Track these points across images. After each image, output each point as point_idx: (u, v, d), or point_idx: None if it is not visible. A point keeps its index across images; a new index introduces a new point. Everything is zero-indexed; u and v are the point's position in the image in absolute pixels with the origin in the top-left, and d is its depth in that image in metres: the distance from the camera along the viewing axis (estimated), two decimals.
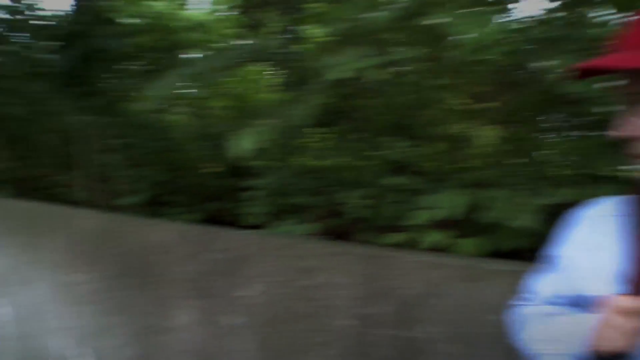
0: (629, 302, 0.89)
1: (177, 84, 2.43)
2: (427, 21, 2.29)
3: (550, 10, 2.64)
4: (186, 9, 5.50)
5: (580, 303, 1.05)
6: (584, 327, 0.96)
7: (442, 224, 2.23)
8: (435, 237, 2.21)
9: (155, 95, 2.51)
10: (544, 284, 1.18)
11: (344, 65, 2.25)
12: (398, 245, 2.29)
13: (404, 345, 2.02)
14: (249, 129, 2.36)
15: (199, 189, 3.94)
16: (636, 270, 0.95)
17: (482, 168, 2.49)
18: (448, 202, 2.19)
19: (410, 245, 2.29)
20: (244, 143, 2.31)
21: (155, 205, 3.93)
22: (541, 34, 2.23)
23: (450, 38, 2.24)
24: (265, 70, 4.93)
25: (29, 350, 3.89)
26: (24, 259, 3.81)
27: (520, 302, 1.23)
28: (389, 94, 2.99)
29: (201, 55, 5.07)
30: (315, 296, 2.19)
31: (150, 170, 3.97)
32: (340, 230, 2.78)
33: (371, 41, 2.61)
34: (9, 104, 5.16)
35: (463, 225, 2.22)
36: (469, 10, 2.20)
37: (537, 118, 2.75)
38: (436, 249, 2.21)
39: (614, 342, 0.90)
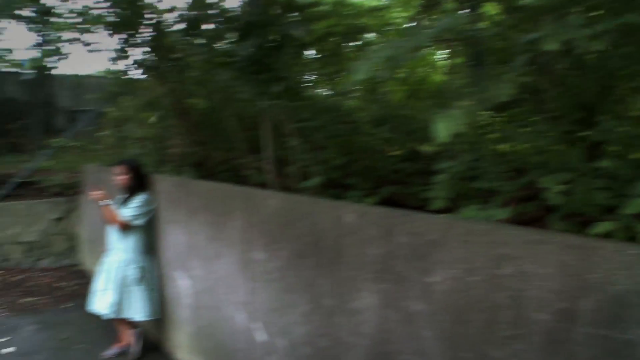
0: None
1: (370, 68, 2.38)
2: None
3: None
4: None
5: None
6: None
7: None
8: None
9: (352, 79, 2.50)
10: None
11: (557, 35, 2.05)
12: (604, 236, 2.06)
13: (611, 347, 1.81)
14: (446, 112, 2.25)
15: (377, 172, 3.93)
16: None
17: None
18: None
19: (618, 237, 2.05)
20: (440, 128, 2.21)
21: (333, 188, 3.99)
22: None
23: None
24: (442, 51, 4.81)
25: (206, 321, 4.17)
26: (207, 236, 4.08)
27: None
28: (588, 70, 2.72)
29: (386, 38, 5.06)
30: (506, 286, 2.05)
31: (329, 154, 4.04)
32: (533, 217, 2.59)
33: (577, 9, 2.38)
34: (196, 93, 5.57)
35: None
36: None
37: None
38: None
39: None
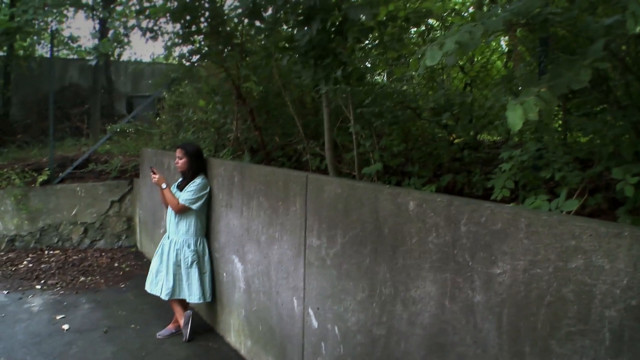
0: None
1: (440, 55, 2.32)
2: None
3: None
4: None
5: None
6: None
7: None
8: None
9: (423, 65, 2.45)
10: None
11: None
12: None
13: None
14: (519, 100, 2.18)
15: (437, 159, 3.87)
16: None
17: None
18: None
19: None
20: (517, 115, 2.14)
21: (393, 175, 3.96)
22: None
23: None
24: (505, 37, 4.67)
25: (260, 305, 4.21)
26: (263, 220, 4.11)
27: None
28: None
29: (444, 24, 4.96)
30: (573, 280, 1.99)
31: (389, 140, 4.00)
32: (598, 209, 2.50)
33: None
34: (255, 78, 5.60)
35: None
36: None
37: None
38: None
39: None
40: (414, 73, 4.61)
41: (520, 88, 2.52)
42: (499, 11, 2.53)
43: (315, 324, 3.51)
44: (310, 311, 3.55)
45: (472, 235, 2.36)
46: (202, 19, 5.63)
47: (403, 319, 2.76)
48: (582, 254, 1.96)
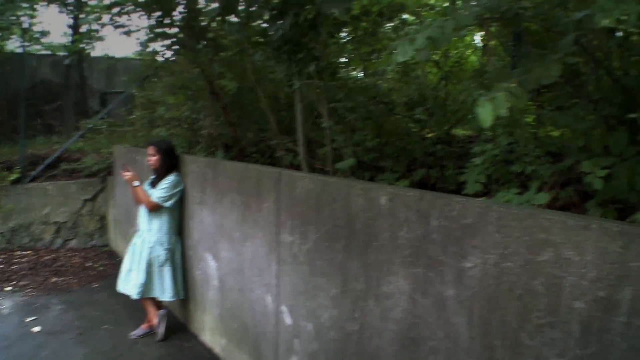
0: None
1: (411, 50, 2.31)
2: None
3: None
4: None
5: None
6: None
7: None
8: None
9: (394, 60, 2.42)
10: None
11: (612, 11, 1.95)
12: None
13: None
14: (489, 95, 2.18)
15: (410, 154, 3.87)
16: None
17: None
18: None
19: None
20: (488, 111, 2.13)
21: (366, 170, 3.94)
22: None
23: None
24: (479, 32, 4.68)
25: (233, 303, 4.18)
26: (236, 217, 4.07)
27: None
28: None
29: (418, 19, 4.95)
30: (543, 273, 1.99)
31: (361, 136, 3.98)
32: (568, 202, 2.51)
33: None
34: (228, 74, 5.54)
35: None
36: None
37: None
38: None
39: None
40: (388, 68, 4.59)
41: (491, 83, 2.51)
42: (471, 6, 2.53)
43: (288, 320, 3.49)
44: (284, 308, 3.53)
45: (443, 229, 2.36)
46: (176, 12, 5.55)
47: (375, 314, 2.75)
48: (551, 247, 1.96)
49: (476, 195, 2.68)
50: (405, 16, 5.25)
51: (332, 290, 3.05)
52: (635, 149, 2.23)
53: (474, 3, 2.59)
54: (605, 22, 1.83)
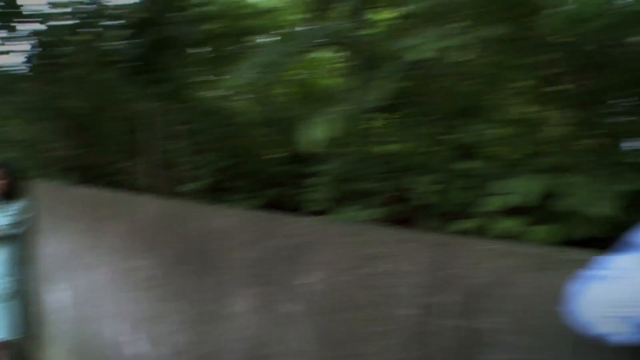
0: None
1: (251, 72, 2.37)
2: None
3: None
4: None
5: None
6: None
7: (514, 211, 2.10)
8: (506, 224, 2.09)
9: (232, 83, 2.47)
10: (616, 261, 1.11)
11: (425, 45, 2.14)
12: (466, 233, 2.17)
13: (467, 335, 1.91)
14: (320, 117, 2.28)
15: (261, 175, 3.91)
16: None
17: (559, 153, 2.33)
18: (522, 188, 2.06)
19: (480, 233, 2.16)
20: (316, 132, 2.23)
21: (217, 192, 3.93)
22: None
23: (546, 11, 2.06)
24: (331, 55, 4.86)
25: (86, 334, 4.00)
26: (86, 244, 3.91)
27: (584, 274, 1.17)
28: (461, 76, 2.85)
29: (270, 41, 5.04)
30: (378, 284, 2.11)
31: (213, 157, 3.97)
32: (406, 216, 2.68)
33: (454, 19, 2.49)
34: (77, 94, 5.32)
35: (536, 212, 2.08)
36: None
37: (618, 100, 2.55)
38: (507, 237, 2.08)
39: None
40: (239, 88, 4.63)
41: (331, 104, 2.64)
42: (312, 31, 2.64)
43: (141, 348, 3.38)
44: (138, 335, 3.42)
45: (284, 248, 2.42)
46: (19, 27, 5.23)
47: (225, 335, 2.75)
48: (383, 260, 2.08)
49: (320, 213, 2.77)
50: (261, 37, 5.34)
51: (181, 314, 3.01)
52: (459, 165, 2.44)
53: (316, 27, 2.71)
54: (424, 55, 2.01)
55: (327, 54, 4.83)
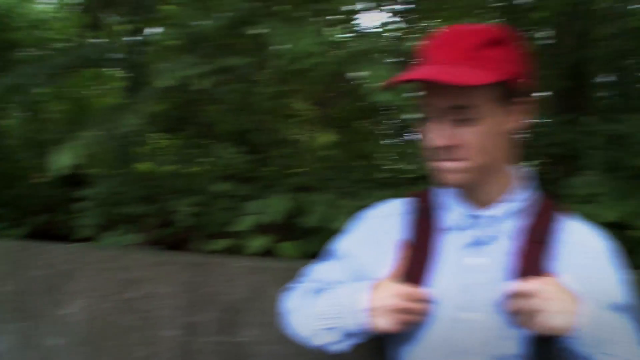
0: (401, 287, 0.99)
1: (15, 84, 2.25)
2: (252, 30, 2.30)
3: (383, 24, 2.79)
4: (29, 4, 5.11)
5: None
6: (353, 301, 1.02)
7: (266, 229, 2.25)
8: (259, 241, 2.22)
9: None
10: (319, 270, 1.23)
11: (172, 72, 2.23)
12: (223, 252, 2.28)
13: (229, 350, 2.01)
14: (70, 142, 2.24)
15: (28, 200, 3.66)
16: (408, 261, 1.05)
17: (309, 172, 2.55)
18: (272, 207, 2.21)
19: (236, 251, 2.29)
20: (64, 158, 2.19)
21: None
22: (360, 46, 2.30)
23: (272, 47, 2.25)
24: (108, 74, 4.73)
25: None
26: None
27: (293, 287, 1.26)
28: (225, 101, 2.98)
29: (41, 54, 4.75)
30: (140, 308, 2.12)
31: None
32: (172, 239, 2.72)
33: (203, 48, 2.60)
34: None
35: (286, 229, 2.26)
36: (295, 21, 2.25)
37: (365, 124, 2.87)
38: (261, 254, 2.23)
39: (386, 321, 0.97)
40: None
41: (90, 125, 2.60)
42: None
43: None
44: None
45: (45, 278, 2.33)
46: None
47: None
48: (138, 284, 2.10)
49: (84, 239, 2.70)
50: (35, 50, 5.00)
51: None
52: (217, 187, 2.55)
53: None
54: (159, 84, 2.09)
55: (105, 71, 4.70)
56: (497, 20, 5.33)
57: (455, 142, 0.99)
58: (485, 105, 1.00)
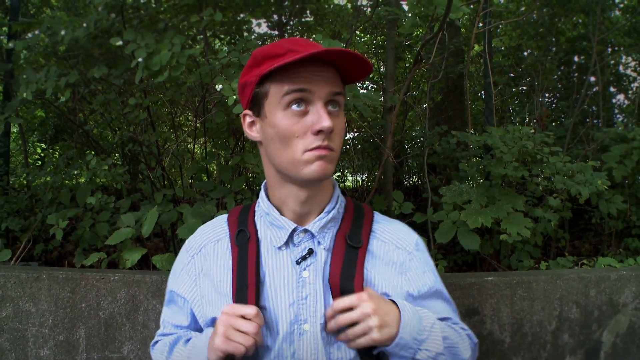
0: (240, 307, 1.01)
1: None
2: (115, 42, 2.27)
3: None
4: None
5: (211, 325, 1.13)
6: (205, 341, 1.05)
7: (142, 241, 2.24)
8: (134, 255, 2.19)
9: None
10: (167, 319, 1.24)
11: (38, 83, 2.18)
12: (99, 266, 2.24)
13: None
14: None
15: None
16: (246, 287, 1.08)
17: (185, 184, 2.56)
18: (147, 219, 2.19)
19: (112, 265, 2.26)
20: None
21: None
22: (223, 60, 2.30)
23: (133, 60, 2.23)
24: None
25: None
26: None
27: (156, 338, 1.27)
28: (101, 112, 2.93)
29: None
30: (7, 329, 2.04)
31: None
32: (47, 254, 2.64)
33: (73, 57, 2.55)
34: None
35: (162, 241, 2.26)
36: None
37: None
38: (136, 267, 2.22)
39: (234, 345, 0.98)
40: None
41: None
42: None
43: None
44: None
45: None
46: None
47: None
48: (10, 302, 2.03)
49: None
50: None
51: None
52: (92, 200, 2.49)
53: None
54: (24, 94, 2.04)
55: None
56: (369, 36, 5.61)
57: (333, 128, 1.01)
58: (344, 97, 1.06)
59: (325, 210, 1.13)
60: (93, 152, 2.78)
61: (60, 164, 2.83)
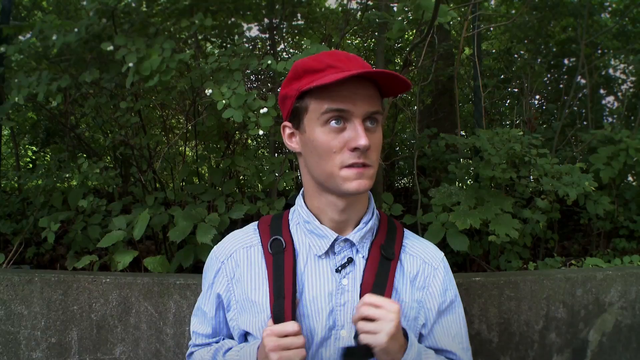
0: (281, 327, 1.03)
1: None
2: (106, 47, 2.29)
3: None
4: None
5: (247, 338, 1.17)
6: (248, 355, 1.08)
7: (133, 244, 2.26)
8: (126, 257, 2.21)
9: None
10: (196, 327, 1.28)
11: (28, 87, 2.20)
12: (91, 268, 2.26)
13: None
14: None
15: None
16: (283, 298, 1.09)
17: (177, 187, 2.58)
18: (138, 222, 2.21)
19: (104, 267, 2.27)
20: None
21: None
22: (212, 65, 2.32)
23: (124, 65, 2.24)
24: None
25: None
26: None
27: (191, 349, 1.30)
28: (93, 115, 2.95)
29: None
30: (3, 330, 2.06)
31: None
32: (39, 257, 2.64)
33: (64, 61, 2.56)
34: None
35: (153, 244, 2.28)
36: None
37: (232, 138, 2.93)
38: (128, 269, 2.23)
39: None
40: None
41: None
42: None
43: None
44: None
45: None
46: None
47: None
48: (2, 305, 2.04)
49: None
50: None
51: None
52: (84, 203, 2.50)
53: None
54: (15, 99, 2.06)
55: None
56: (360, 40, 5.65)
57: (370, 145, 1.04)
58: (382, 114, 1.09)
59: (364, 220, 1.17)
60: (85, 155, 2.78)
61: (52, 167, 2.85)
